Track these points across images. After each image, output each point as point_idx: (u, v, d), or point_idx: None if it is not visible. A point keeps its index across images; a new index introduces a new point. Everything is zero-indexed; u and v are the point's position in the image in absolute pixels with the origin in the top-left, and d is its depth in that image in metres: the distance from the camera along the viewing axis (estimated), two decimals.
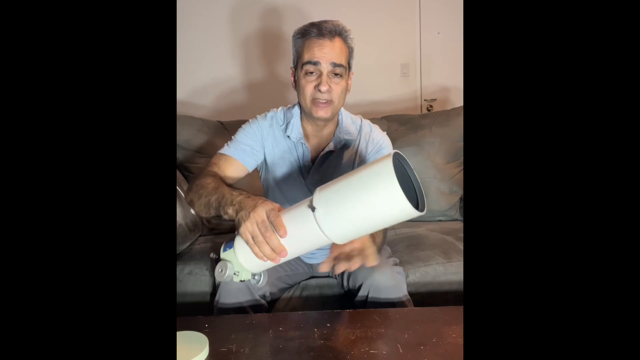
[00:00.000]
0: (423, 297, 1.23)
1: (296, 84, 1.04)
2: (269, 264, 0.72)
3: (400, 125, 1.83)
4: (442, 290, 1.26)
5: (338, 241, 0.67)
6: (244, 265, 0.74)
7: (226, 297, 0.95)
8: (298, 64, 1.02)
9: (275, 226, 0.68)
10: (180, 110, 2.09)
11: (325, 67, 0.97)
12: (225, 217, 0.80)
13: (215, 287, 1.08)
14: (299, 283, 1.21)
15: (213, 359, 0.68)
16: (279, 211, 0.71)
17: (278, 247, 0.68)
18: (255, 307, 0.96)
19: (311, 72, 0.98)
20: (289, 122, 1.08)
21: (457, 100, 2.35)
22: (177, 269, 1.30)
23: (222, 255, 0.76)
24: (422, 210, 0.62)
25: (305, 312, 0.86)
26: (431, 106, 2.36)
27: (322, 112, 1.00)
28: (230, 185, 0.92)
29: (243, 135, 1.07)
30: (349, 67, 1.02)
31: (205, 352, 0.69)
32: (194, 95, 2.27)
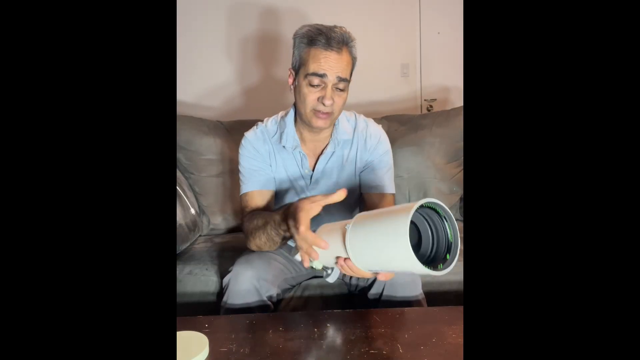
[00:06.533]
0: None
1: (295, 89, 1.02)
2: (332, 259, 0.77)
3: (400, 125, 1.83)
4: (442, 290, 1.26)
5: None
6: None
7: (234, 298, 0.95)
8: (300, 70, 0.99)
9: (315, 243, 0.74)
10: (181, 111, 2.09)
11: (331, 80, 0.95)
12: (286, 234, 0.87)
13: (221, 287, 1.08)
14: (300, 283, 1.21)
15: (213, 359, 0.68)
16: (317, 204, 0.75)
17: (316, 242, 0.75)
18: (262, 308, 0.96)
19: (316, 85, 0.96)
20: (283, 131, 1.07)
21: (457, 100, 2.35)
22: (177, 269, 1.30)
23: None
24: (445, 266, 0.61)
25: (305, 312, 0.86)
26: (431, 106, 2.36)
27: (321, 123, 0.99)
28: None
29: (246, 162, 1.08)
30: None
31: (205, 352, 0.68)
32: (193, 98, 2.27)
